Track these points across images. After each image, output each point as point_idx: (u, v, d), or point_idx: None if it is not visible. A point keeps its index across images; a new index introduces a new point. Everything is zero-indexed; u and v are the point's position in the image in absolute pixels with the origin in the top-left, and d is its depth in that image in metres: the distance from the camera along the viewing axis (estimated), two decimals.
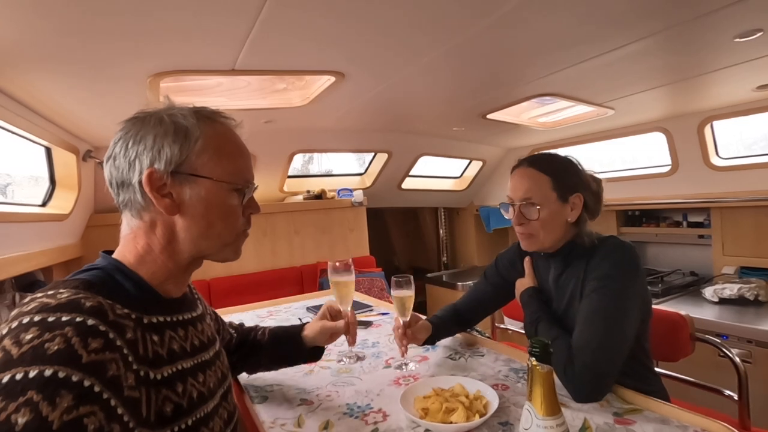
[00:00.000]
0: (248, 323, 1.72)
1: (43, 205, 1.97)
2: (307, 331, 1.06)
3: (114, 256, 0.66)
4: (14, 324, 0.48)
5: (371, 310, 1.82)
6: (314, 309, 1.85)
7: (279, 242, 3.00)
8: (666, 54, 1.52)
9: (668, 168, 2.53)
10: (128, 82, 1.35)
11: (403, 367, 1.09)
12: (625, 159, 3.20)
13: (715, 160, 2.34)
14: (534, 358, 0.61)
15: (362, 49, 1.34)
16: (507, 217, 1.12)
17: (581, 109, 2.38)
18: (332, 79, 1.57)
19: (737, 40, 1.36)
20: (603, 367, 0.91)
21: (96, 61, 1.19)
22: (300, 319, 1.69)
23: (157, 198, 0.62)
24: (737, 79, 1.77)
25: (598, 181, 1.12)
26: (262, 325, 1.15)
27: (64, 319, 0.48)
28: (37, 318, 0.48)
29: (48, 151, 1.90)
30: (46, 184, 2.01)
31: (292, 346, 1.06)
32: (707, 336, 1.29)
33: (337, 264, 1.17)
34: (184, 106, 0.67)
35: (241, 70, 1.35)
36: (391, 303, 2.75)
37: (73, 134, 1.86)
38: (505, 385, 1.03)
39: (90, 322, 0.50)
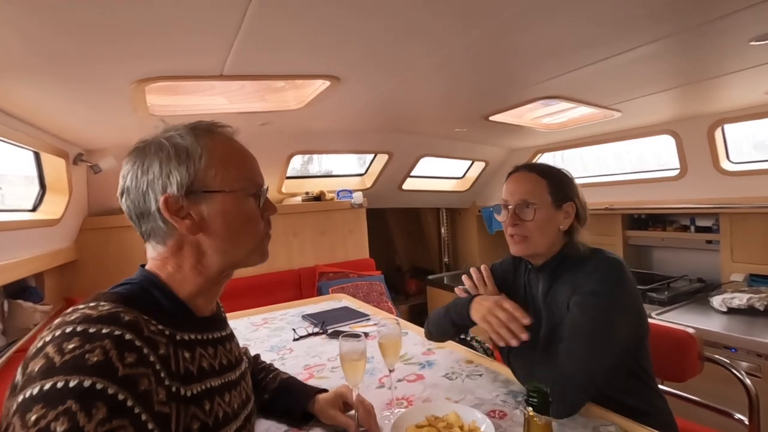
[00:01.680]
0: (242, 331, 1.72)
1: (34, 209, 1.93)
2: (316, 408, 0.97)
3: (148, 269, 0.67)
4: (57, 332, 0.50)
5: (368, 319, 1.77)
6: (310, 317, 1.80)
7: (277, 245, 2.95)
8: (677, 57, 1.46)
9: (677, 172, 2.46)
10: (112, 88, 1.30)
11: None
12: (632, 161, 3.13)
13: (726, 165, 2.27)
14: (531, 408, 0.55)
15: (358, 53, 1.28)
16: (500, 220, 1.11)
17: (587, 111, 2.31)
18: (327, 83, 1.51)
19: (753, 43, 1.30)
20: (580, 381, 0.90)
21: (77, 70, 1.14)
22: (294, 330, 1.64)
23: (177, 221, 0.63)
24: (750, 81, 1.70)
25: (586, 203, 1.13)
26: (276, 365, 1.12)
27: (104, 331, 0.50)
28: (79, 328, 0.50)
29: (37, 155, 1.86)
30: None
31: (293, 408, 0.98)
32: (716, 356, 1.24)
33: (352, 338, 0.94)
34: (180, 125, 0.67)
35: (230, 75, 1.29)
36: (391, 311, 2.72)
37: (61, 138, 1.81)
38: (503, 412, 0.98)
39: (127, 336, 0.51)
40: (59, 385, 0.45)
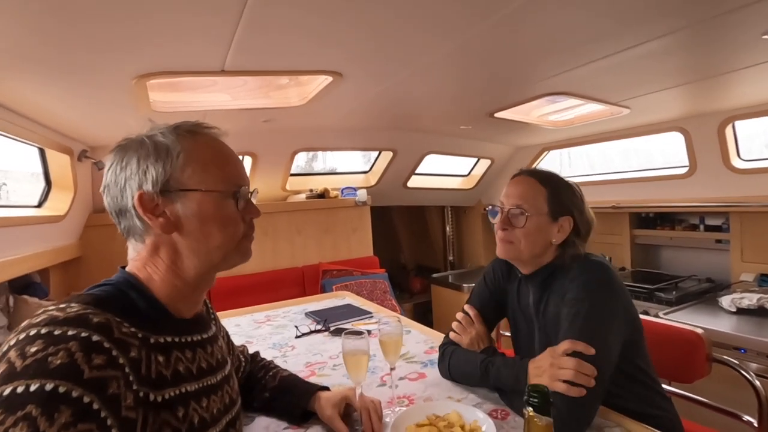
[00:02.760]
0: (245, 328, 1.72)
1: (39, 205, 1.94)
2: (316, 406, 0.95)
3: (128, 270, 0.66)
4: (22, 335, 0.49)
5: (371, 317, 1.76)
6: (313, 315, 1.80)
7: (280, 242, 2.95)
8: (687, 52, 1.42)
9: (686, 169, 2.42)
10: (113, 84, 1.30)
11: None
12: (640, 158, 3.08)
13: (737, 162, 2.22)
14: (531, 408, 0.54)
15: (360, 48, 1.27)
16: (492, 222, 1.09)
17: (594, 108, 2.28)
18: (330, 78, 1.49)
19: (766, 37, 1.26)
20: (583, 401, 0.83)
21: (77, 66, 1.14)
22: (296, 327, 1.64)
23: (151, 219, 0.63)
24: (763, 77, 1.66)
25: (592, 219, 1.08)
26: (276, 362, 1.10)
27: (70, 333, 0.49)
28: (44, 331, 0.48)
29: (42, 151, 1.87)
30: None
31: (293, 407, 0.97)
32: (725, 357, 1.21)
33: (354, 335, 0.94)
34: (165, 125, 0.67)
35: (232, 71, 1.28)
36: (395, 309, 2.70)
37: (65, 135, 1.82)
38: (506, 412, 0.96)
39: (95, 337, 0.50)
40: (19, 389, 0.44)
